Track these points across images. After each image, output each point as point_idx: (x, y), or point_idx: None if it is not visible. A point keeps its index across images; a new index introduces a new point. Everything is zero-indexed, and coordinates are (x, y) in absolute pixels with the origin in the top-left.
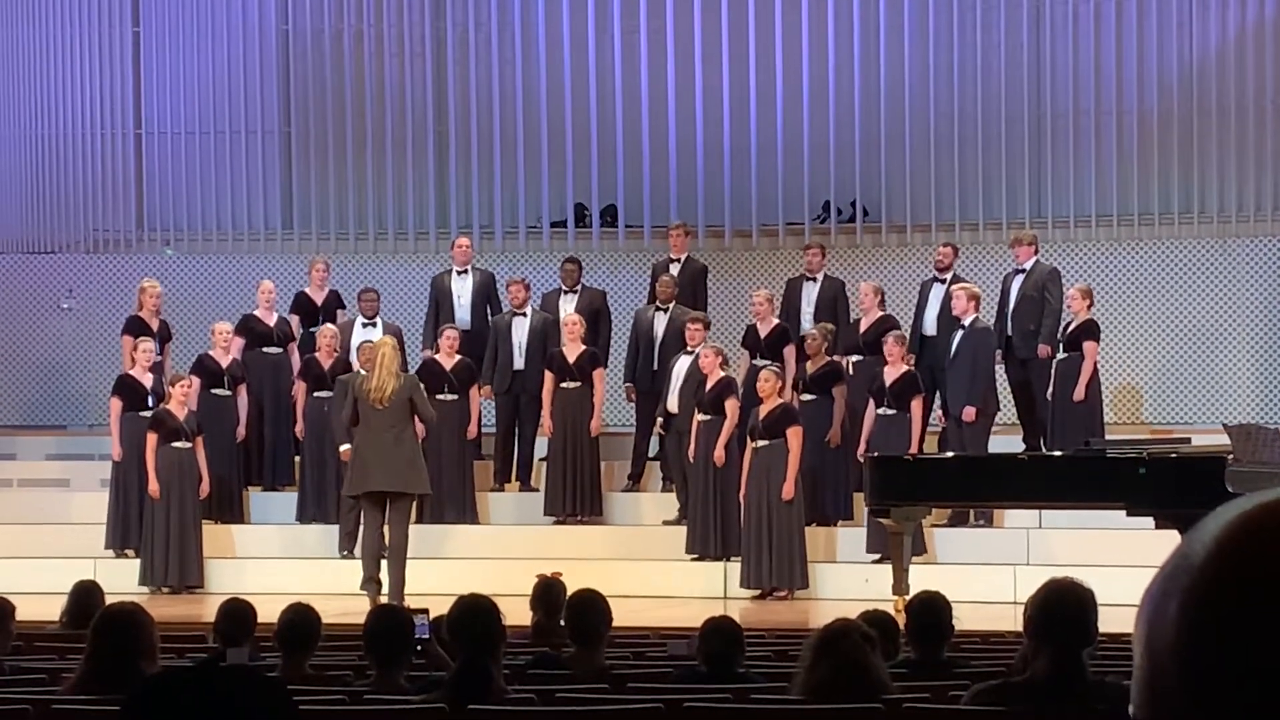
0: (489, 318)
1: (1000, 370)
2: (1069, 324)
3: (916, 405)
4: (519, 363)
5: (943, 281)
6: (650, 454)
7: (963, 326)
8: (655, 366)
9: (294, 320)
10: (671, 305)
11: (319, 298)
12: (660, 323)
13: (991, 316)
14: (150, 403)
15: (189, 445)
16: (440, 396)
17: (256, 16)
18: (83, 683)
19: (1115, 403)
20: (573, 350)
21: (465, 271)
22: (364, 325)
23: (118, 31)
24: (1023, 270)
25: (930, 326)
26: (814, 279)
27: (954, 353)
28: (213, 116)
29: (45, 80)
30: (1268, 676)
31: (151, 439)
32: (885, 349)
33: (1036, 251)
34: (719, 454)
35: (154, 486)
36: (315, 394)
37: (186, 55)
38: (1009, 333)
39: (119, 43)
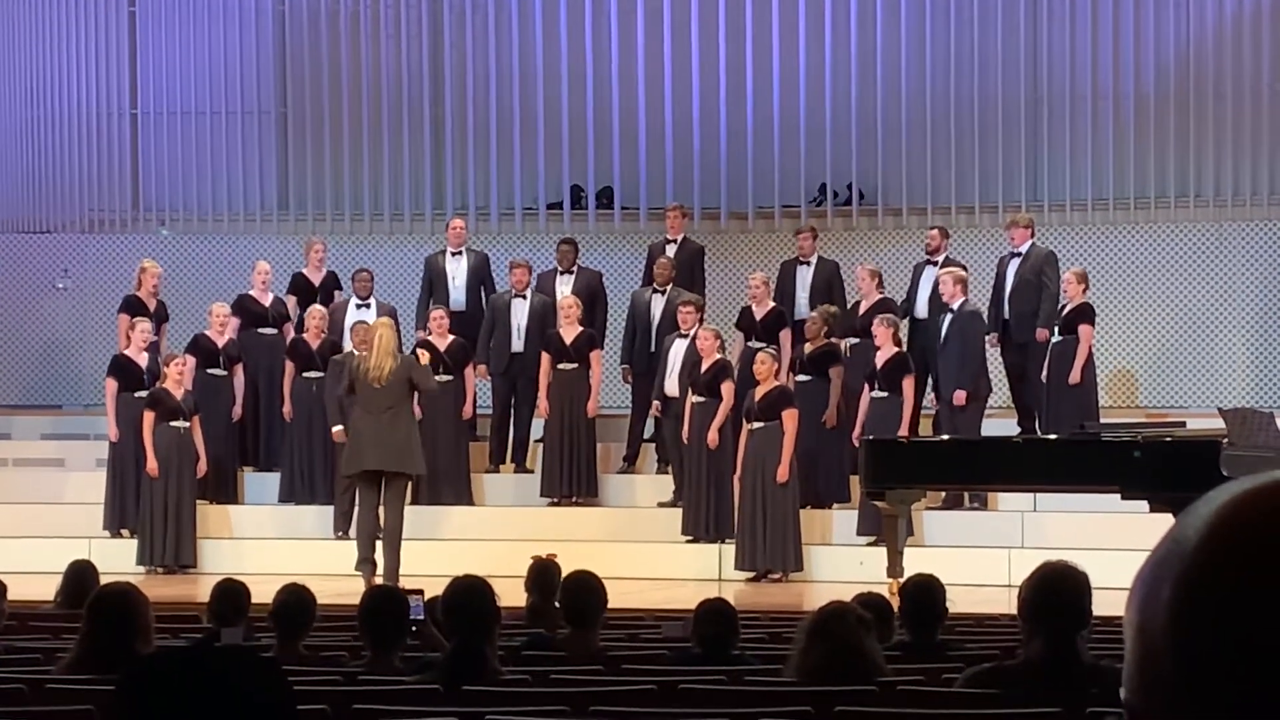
0: (483, 299)
1: (995, 353)
2: (1064, 307)
3: (907, 385)
4: (517, 345)
5: (935, 264)
6: (646, 435)
7: (951, 310)
8: (652, 348)
9: (291, 301)
10: (669, 287)
11: (316, 278)
12: (657, 305)
13: (982, 300)
14: (146, 382)
15: (186, 424)
16: (435, 378)
17: None
18: (77, 662)
19: (1111, 386)
20: (570, 332)
21: (459, 252)
22: (358, 306)
23: (114, 12)
24: (1018, 253)
25: (922, 309)
26: (808, 262)
27: (944, 337)
28: (209, 97)
29: (41, 60)
30: (1260, 659)
31: (149, 418)
32: (874, 331)
33: (1033, 235)
34: (713, 436)
35: (152, 465)
36: (303, 374)
37: (182, 35)
38: (1005, 316)
39: (115, 23)
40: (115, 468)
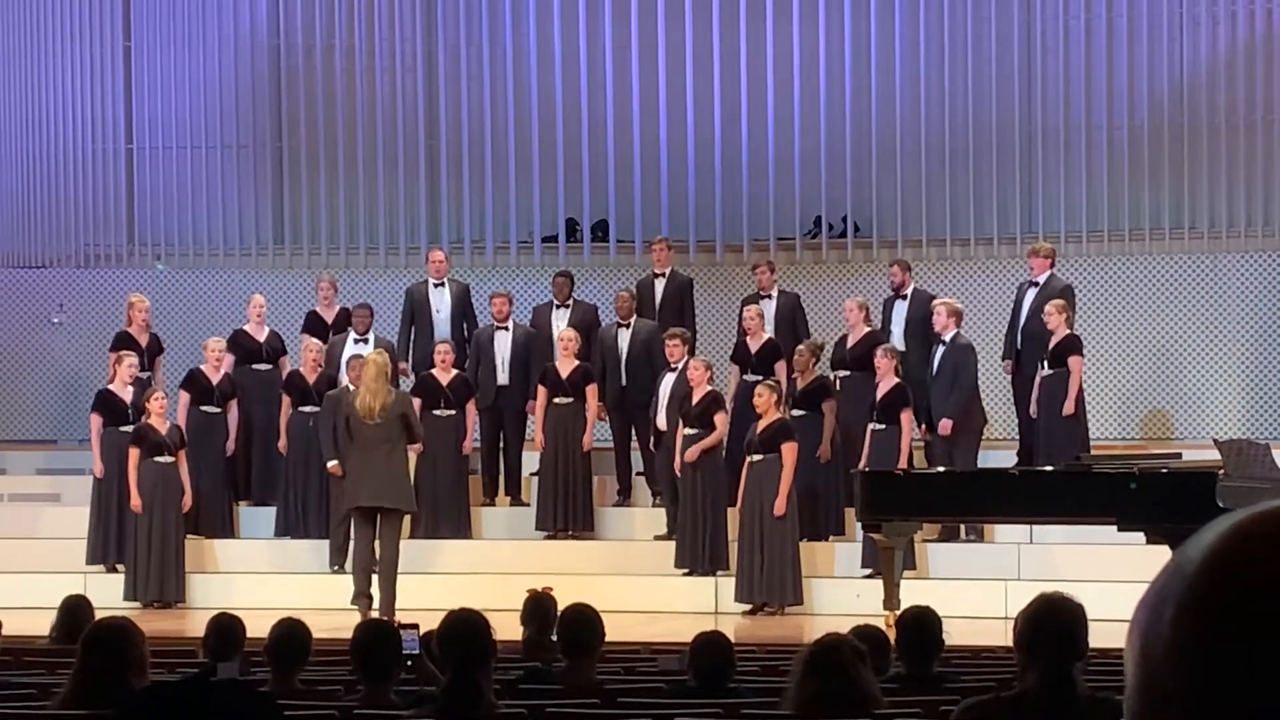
0: (465, 330)
1: (1006, 382)
2: (1048, 339)
3: (905, 417)
4: (502, 378)
5: (904, 298)
6: (638, 469)
7: (944, 342)
8: (623, 383)
9: (305, 339)
10: (633, 319)
11: (330, 316)
12: (623, 339)
13: (975, 331)
14: (130, 417)
15: (171, 459)
16: (437, 412)
17: (248, 31)
18: (72, 697)
19: (1104, 417)
20: (566, 365)
21: (441, 284)
22: (356, 341)
23: (109, 46)
24: (1036, 283)
25: (898, 343)
26: (769, 295)
27: (936, 368)
28: (204, 131)
29: (36, 95)
30: (1262, 682)
31: (134, 454)
32: (877, 364)
33: (1053, 265)
34: (691, 452)
35: (136, 501)
36: (299, 409)
37: (178, 70)
38: (1019, 346)
39: (110, 57)
40: (99, 502)
